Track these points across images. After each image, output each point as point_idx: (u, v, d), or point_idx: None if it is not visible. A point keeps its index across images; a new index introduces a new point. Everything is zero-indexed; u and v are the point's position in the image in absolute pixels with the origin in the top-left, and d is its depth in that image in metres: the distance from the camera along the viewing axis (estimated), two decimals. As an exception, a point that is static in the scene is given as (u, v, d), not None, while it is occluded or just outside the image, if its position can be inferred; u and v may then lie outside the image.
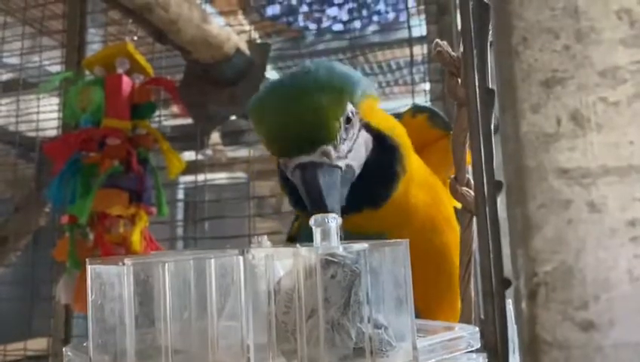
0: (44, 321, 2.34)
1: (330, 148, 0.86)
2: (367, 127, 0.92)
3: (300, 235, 1.15)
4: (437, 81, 1.92)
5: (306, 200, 0.85)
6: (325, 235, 0.62)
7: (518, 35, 0.41)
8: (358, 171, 0.91)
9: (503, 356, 0.43)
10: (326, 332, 0.58)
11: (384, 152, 0.92)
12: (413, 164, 0.95)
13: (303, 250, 0.61)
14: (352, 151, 0.90)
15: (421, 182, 0.96)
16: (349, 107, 0.90)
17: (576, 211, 0.39)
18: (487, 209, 0.44)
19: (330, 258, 0.59)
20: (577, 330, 0.37)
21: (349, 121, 0.90)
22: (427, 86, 2.02)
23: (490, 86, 0.51)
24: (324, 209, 0.82)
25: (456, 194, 0.89)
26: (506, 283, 0.43)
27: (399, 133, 0.96)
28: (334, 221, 0.63)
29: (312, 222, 0.64)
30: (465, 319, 0.86)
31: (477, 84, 0.46)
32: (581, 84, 0.40)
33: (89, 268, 0.69)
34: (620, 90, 0.39)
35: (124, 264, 0.62)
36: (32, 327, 2.64)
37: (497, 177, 0.47)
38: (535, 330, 0.38)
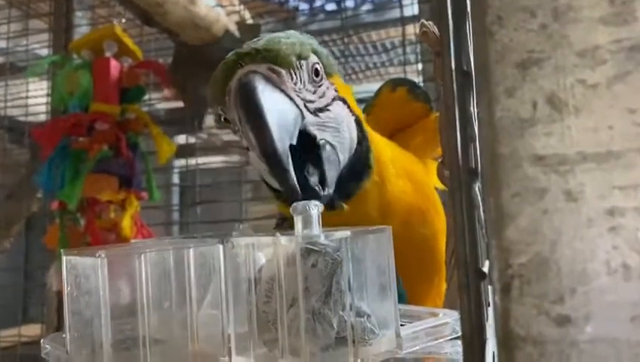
0: (39, 308, 2.34)
1: (281, 69, 0.77)
2: (346, 103, 0.86)
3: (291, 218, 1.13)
4: (430, 61, 1.89)
5: (245, 131, 0.74)
6: (306, 223, 0.60)
7: (493, 13, 0.39)
8: (347, 152, 0.82)
9: (480, 350, 0.41)
10: (307, 322, 0.57)
11: (360, 142, 0.85)
12: (386, 155, 0.90)
13: (283, 239, 0.60)
14: (324, 111, 0.81)
15: (399, 171, 0.90)
16: (314, 58, 0.82)
17: (552, 200, 0.37)
18: (462, 197, 0.42)
19: (311, 246, 0.58)
20: (552, 325, 0.36)
21: (316, 72, 0.82)
22: (420, 66, 2.00)
23: (469, 67, 0.49)
24: (266, 139, 0.71)
25: (443, 178, 0.87)
26: (481, 275, 0.42)
27: (359, 112, 0.90)
28: (316, 209, 0.62)
29: (292, 210, 0.62)
30: (450, 304, 0.84)
31: (453, 66, 0.44)
32: (558, 66, 0.38)
33: (64, 259, 0.67)
34: (599, 72, 0.37)
35: (98, 256, 0.60)
36: (27, 313, 2.64)
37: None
38: (509, 325, 0.36)
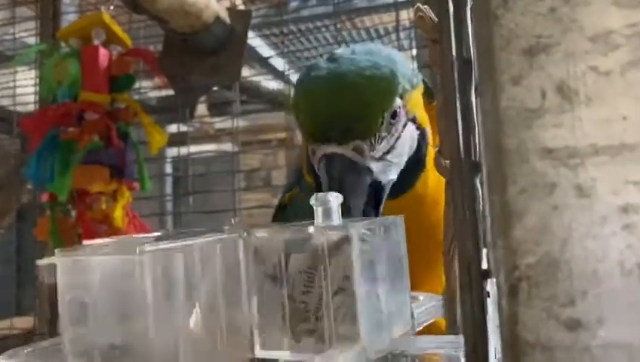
0: (32, 300, 2.32)
1: (364, 145, 0.82)
2: (414, 121, 0.89)
3: (292, 206, 1.11)
4: (425, 47, 1.85)
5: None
6: (326, 214, 0.62)
7: (498, -4, 0.36)
8: (395, 174, 0.87)
9: (483, 354, 0.39)
10: (352, 307, 0.57)
11: (420, 147, 0.91)
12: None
13: (327, 228, 0.61)
14: (391, 152, 0.86)
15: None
16: (397, 101, 0.85)
17: (562, 196, 0.34)
18: (463, 192, 0.39)
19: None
20: (563, 330, 0.33)
21: (394, 115, 0.85)
22: (415, 52, 1.96)
23: (469, 55, 0.46)
24: (344, 209, 0.78)
25: (440, 167, 0.85)
26: (484, 274, 0.39)
27: (426, 122, 0.94)
28: (335, 200, 0.64)
29: (312, 200, 0.65)
30: (449, 292, 0.83)
31: (454, 52, 0.41)
32: (569, 52, 0.35)
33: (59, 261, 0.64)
34: (612, 58, 0.34)
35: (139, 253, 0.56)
36: (20, 306, 2.62)
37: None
38: (516, 330, 0.34)
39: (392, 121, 0.85)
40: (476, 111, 0.42)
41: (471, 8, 0.42)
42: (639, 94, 0.34)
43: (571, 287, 0.34)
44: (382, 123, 0.84)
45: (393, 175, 0.87)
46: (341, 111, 0.82)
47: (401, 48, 2.00)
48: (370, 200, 0.83)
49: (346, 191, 0.77)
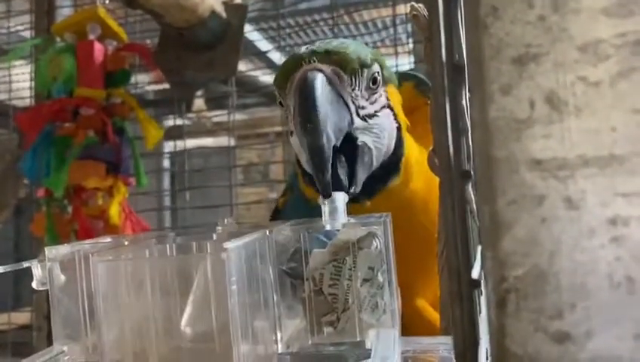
0: (29, 295, 2.31)
1: (344, 74, 0.83)
2: (392, 110, 0.91)
3: (285, 209, 1.11)
4: (422, 42, 1.84)
5: (297, 121, 0.79)
6: (333, 211, 0.66)
7: (487, 4, 0.36)
8: (381, 157, 0.88)
9: (472, 360, 0.39)
10: (373, 297, 0.64)
11: (397, 147, 0.91)
12: (414, 156, 0.95)
13: (357, 224, 0.67)
14: (374, 118, 0.86)
15: (420, 168, 0.93)
16: (376, 67, 0.88)
17: (551, 208, 0.34)
18: (454, 201, 0.39)
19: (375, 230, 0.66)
20: (551, 342, 0.33)
21: (374, 81, 0.87)
22: (412, 46, 1.95)
23: (460, 60, 0.46)
24: (315, 134, 0.76)
25: (434, 168, 0.84)
26: (474, 284, 0.39)
27: (404, 121, 0.95)
28: (343, 198, 0.69)
29: (320, 199, 0.69)
30: (443, 294, 0.83)
31: (443, 58, 0.41)
32: (558, 61, 0.35)
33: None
34: (601, 68, 0.34)
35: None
36: (19, 300, 2.62)
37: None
38: (504, 343, 0.34)
39: (372, 86, 0.87)
40: (469, 119, 0.41)
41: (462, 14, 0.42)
42: (629, 105, 0.33)
43: (560, 300, 0.33)
44: (360, 70, 0.85)
45: (371, 143, 0.86)
46: (319, 49, 0.84)
47: (398, 42, 1.99)
48: (343, 153, 0.81)
49: (318, 114, 0.76)
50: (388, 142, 0.89)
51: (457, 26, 0.47)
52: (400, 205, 0.89)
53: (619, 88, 0.33)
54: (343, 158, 0.82)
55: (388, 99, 0.91)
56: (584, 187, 0.34)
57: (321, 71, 0.80)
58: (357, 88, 0.85)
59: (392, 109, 0.91)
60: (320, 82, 0.78)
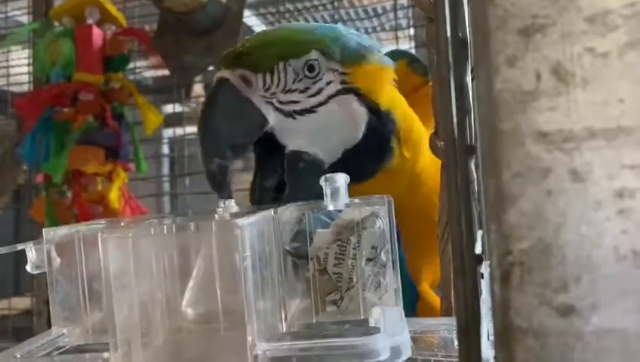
0: (30, 280, 2.32)
1: (253, 76, 0.79)
2: (359, 94, 0.84)
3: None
4: (422, 26, 1.83)
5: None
6: (334, 194, 0.65)
7: (493, -26, 0.35)
8: (340, 150, 0.83)
9: (475, 339, 0.39)
10: (377, 276, 0.64)
11: (376, 129, 0.85)
12: (421, 131, 0.92)
13: (361, 204, 0.66)
14: (305, 115, 0.81)
15: (421, 146, 0.90)
16: (314, 54, 0.82)
17: (557, 181, 0.34)
18: (457, 176, 0.39)
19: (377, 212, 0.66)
20: (555, 316, 0.33)
21: (311, 69, 0.82)
22: (412, 31, 1.94)
23: (464, 35, 0.45)
24: (205, 153, 0.79)
25: (435, 149, 0.84)
26: (478, 259, 0.39)
27: (398, 106, 0.89)
28: (343, 180, 0.67)
29: (322, 181, 0.68)
30: (444, 277, 0.83)
31: (448, 32, 0.40)
32: (565, 32, 0.34)
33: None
34: (610, 39, 0.33)
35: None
36: (19, 285, 2.63)
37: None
38: (508, 316, 0.34)
39: (309, 74, 0.82)
40: (472, 92, 0.41)
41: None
42: (637, 76, 0.33)
43: (565, 273, 0.33)
44: (281, 64, 0.81)
45: (306, 144, 0.81)
46: (231, 53, 0.82)
47: (398, 27, 1.97)
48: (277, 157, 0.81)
49: (221, 115, 0.78)
50: (344, 133, 0.84)
51: (462, 3, 0.46)
52: (409, 183, 0.89)
53: (627, 59, 0.33)
54: (273, 168, 0.82)
55: (348, 82, 0.84)
56: (590, 159, 0.33)
57: (225, 80, 0.79)
58: (274, 86, 0.81)
59: (357, 93, 0.84)
60: (220, 94, 0.80)
